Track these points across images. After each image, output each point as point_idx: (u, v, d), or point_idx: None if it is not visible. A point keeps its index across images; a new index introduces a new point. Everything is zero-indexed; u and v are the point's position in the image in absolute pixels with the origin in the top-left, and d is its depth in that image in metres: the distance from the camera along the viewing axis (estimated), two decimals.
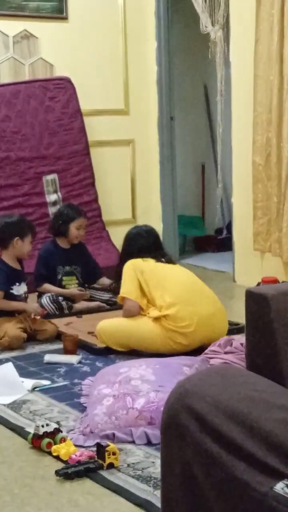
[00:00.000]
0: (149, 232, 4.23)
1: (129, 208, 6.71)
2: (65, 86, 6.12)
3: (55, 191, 6.01)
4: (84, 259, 5.05)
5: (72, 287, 4.95)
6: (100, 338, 3.97)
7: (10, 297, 4.24)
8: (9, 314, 4.24)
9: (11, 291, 4.25)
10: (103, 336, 3.94)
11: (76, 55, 6.28)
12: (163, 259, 4.05)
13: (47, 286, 4.85)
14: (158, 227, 6.75)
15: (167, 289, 3.86)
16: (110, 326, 3.95)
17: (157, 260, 4.02)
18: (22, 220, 4.40)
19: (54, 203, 5.95)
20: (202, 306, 3.86)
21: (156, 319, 3.81)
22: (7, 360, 3.86)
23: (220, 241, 7.27)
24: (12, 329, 4.09)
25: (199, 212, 7.73)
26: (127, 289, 3.92)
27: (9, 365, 3.57)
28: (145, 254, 4.05)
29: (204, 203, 7.71)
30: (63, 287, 4.91)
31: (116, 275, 4.14)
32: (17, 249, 4.27)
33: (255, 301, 1.94)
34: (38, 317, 4.25)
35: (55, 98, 6.07)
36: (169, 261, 4.09)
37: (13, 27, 6.05)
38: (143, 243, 4.11)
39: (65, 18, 6.26)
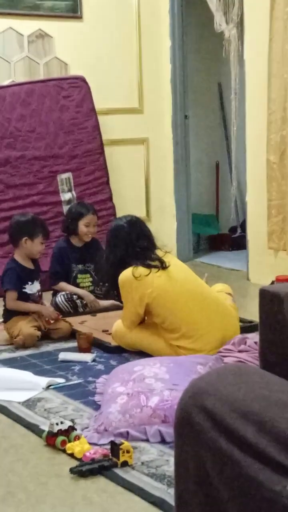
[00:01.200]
0: (132, 225, 3.92)
1: (143, 207, 6.71)
2: (79, 85, 6.13)
3: (70, 190, 6.02)
4: (97, 257, 5.04)
5: (87, 284, 4.96)
6: (114, 338, 3.98)
7: (23, 296, 4.26)
8: (23, 312, 4.25)
9: (24, 290, 4.26)
10: (116, 339, 3.95)
11: (91, 54, 6.29)
12: (156, 263, 3.74)
13: (62, 284, 4.86)
14: (172, 226, 6.76)
15: (175, 316, 3.68)
16: (123, 332, 3.89)
17: (148, 266, 3.73)
18: (34, 220, 4.38)
19: (69, 202, 5.96)
20: (211, 323, 3.71)
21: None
22: (22, 358, 3.89)
23: (234, 240, 7.26)
24: (26, 327, 4.11)
25: (213, 211, 7.72)
26: (125, 317, 3.84)
27: (27, 373, 3.57)
28: (133, 257, 3.77)
29: (218, 202, 7.70)
30: (77, 285, 4.92)
31: (109, 279, 3.94)
32: (27, 248, 4.28)
33: (269, 299, 1.95)
34: (52, 321, 4.26)
35: (69, 97, 6.08)
36: (161, 262, 3.75)
37: (28, 26, 6.07)
38: (128, 244, 3.81)
39: (79, 17, 6.28)
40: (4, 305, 4.29)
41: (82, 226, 4.91)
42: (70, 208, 5.14)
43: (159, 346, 3.72)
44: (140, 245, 3.80)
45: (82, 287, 4.93)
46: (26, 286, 4.27)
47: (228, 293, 4.10)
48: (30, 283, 4.28)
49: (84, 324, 4.49)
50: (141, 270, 3.70)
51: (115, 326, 3.96)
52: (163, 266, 3.72)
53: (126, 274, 3.73)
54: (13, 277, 4.23)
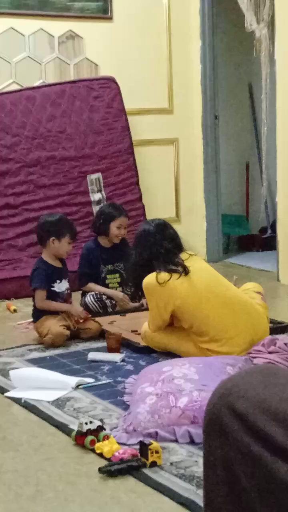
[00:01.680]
0: (158, 227, 3.88)
1: (173, 207, 6.71)
2: (109, 85, 6.15)
3: (99, 190, 6.04)
4: (126, 256, 5.05)
5: (116, 285, 4.97)
6: (143, 339, 3.97)
7: (52, 293, 4.28)
8: (53, 312, 4.27)
9: (53, 288, 4.28)
10: (145, 340, 3.95)
11: (121, 55, 6.31)
12: (179, 268, 3.70)
13: (91, 285, 4.87)
14: (202, 226, 6.75)
15: (202, 321, 3.65)
16: (150, 334, 3.89)
17: (170, 271, 3.70)
18: (62, 220, 4.39)
19: (98, 202, 5.98)
20: (239, 325, 3.67)
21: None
22: (51, 358, 3.90)
23: (264, 240, 7.23)
24: (55, 326, 4.13)
25: (243, 211, 7.69)
26: (151, 321, 3.83)
27: (56, 373, 3.59)
28: (157, 259, 3.75)
29: (248, 202, 7.67)
30: (106, 285, 4.93)
31: (133, 282, 3.91)
32: (54, 248, 4.30)
33: None
34: (81, 321, 4.27)
35: (99, 97, 6.10)
36: (183, 267, 3.71)
37: (58, 27, 6.10)
38: (155, 250, 3.78)
39: (109, 18, 6.29)
40: (34, 305, 4.32)
41: (113, 228, 4.91)
42: (102, 209, 5.13)
43: (187, 348, 3.71)
44: (165, 247, 3.78)
45: (111, 288, 4.94)
46: (55, 284, 4.29)
47: (258, 291, 4.06)
48: (58, 281, 4.30)
49: (113, 324, 4.50)
50: (163, 275, 3.67)
51: (144, 326, 3.96)
52: (185, 271, 3.69)
53: (150, 279, 3.72)
54: (42, 276, 4.25)
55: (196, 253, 3.92)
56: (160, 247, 3.78)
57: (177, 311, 3.69)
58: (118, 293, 4.87)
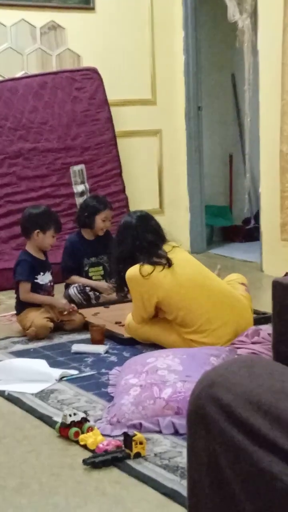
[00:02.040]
0: (140, 219, 3.87)
1: (157, 199, 6.71)
2: (92, 76, 6.12)
3: (83, 182, 6.03)
4: (110, 249, 5.03)
5: (99, 277, 4.96)
6: (127, 332, 3.98)
7: (36, 286, 4.26)
8: (36, 304, 4.26)
9: (36, 280, 4.27)
10: (129, 332, 3.95)
11: (103, 46, 6.28)
12: (162, 261, 3.69)
13: (74, 278, 4.87)
14: (186, 217, 6.75)
15: (186, 313, 3.66)
16: (136, 325, 3.90)
17: (154, 263, 3.69)
18: (46, 213, 4.38)
19: (82, 194, 5.96)
20: (223, 317, 3.67)
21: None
22: (35, 350, 3.90)
23: (247, 231, 7.24)
24: (38, 318, 4.12)
25: (227, 202, 7.70)
26: (135, 313, 3.84)
27: (42, 361, 3.59)
28: (140, 252, 3.75)
29: (232, 193, 7.68)
30: (90, 278, 4.92)
31: (117, 275, 3.92)
32: (38, 241, 4.28)
33: (282, 291, 1.94)
34: (66, 313, 4.26)
35: (82, 88, 6.08)
36: (167, 259, 3.70)
37: (40, 18, 6.07)
38: (135, 242, 3.78)
39: (92, 9, 6.26)
40: (17, 297, 4.30)
41: (99, 220, 4.89)
42: (86, 202, 5.11)
43: (172, 339, 3.71)
44: (147, 240, 3.77)
45: (95, 280, 4.93)
46: (38, 276, 4.28)
47: (242, 283, 4.07)
48: (42, 273, 4.29)
49: (97, 316, 4.49)
50: (147, 268, 3.67)
51: (128, 318, 3.96)
52: (168, 263, 3.68)
53: (133, 271, 3.71)
54: (26, 269, 4.24)
55: (179, 245, 3.91)
56: (143, 240, 3.77)
57: (161, 303, 3.69)
58: (102, 284, 4.87)
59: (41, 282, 4.28)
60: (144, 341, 3.88)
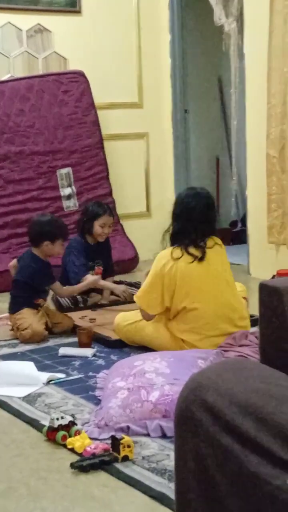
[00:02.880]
0: (206, 209, 3.73)
1: (144, 202, 6.71)
2: (78, 79, 6.12)
3: (69, 185, 6.02)
4: (106, 255, 5.01)
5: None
6: (117, 333, 3.96)
7: (39, 290, 4.30)
8: (33, 305, 4.25)
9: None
10: (119, 333, 3.94)
11: (90, 49, 6.28)
12: (195, 253, 3.65)
13: (89, 277, 4.73)
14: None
15: (192, 310, 3.62)
16: (124, 325, 3.89)
17: (188, 253, 3.65)
18: (55, 223, 4.36)
19: (68, 197, 5.96)
20: (223, 330, 3.66)
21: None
22: (22, 354, 3.89)
23: (235, 234, 7.25)
24: (37, 324, 4.11)
25: None
26: (144, 300, 3.71)
27: (30, 364, 3.58)
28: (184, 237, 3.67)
29: (219, 196, 7.69)
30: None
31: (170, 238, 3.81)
32: (48, 250, 4.28)
33: (269, 294, 1.94)
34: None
35: (68, 92, 6.08)
36: (202, 252, 3.65)
37: (26, 21, 6.06)
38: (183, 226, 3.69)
39: (78, 12, 6.26)
40: (13, 296, 4.31)
41: (97, 226, 4.85)
42: (87, 207, 5.03)
43: (163, 341, 3.69)
44: (197, 228, 3.67)
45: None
46: None
47: (244, 297, 4.02)
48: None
49: (85, 319, 4.49)
50: (179, 252, 3.62)
51: (118, 318, 3.95)
52: (200, 258, 3.63)
53: (164, 252, 3.68)
54: (46, 272, 4.28)
55: (220, 244, 3.80)
56: (192, 227, 3.67)
57: (176, 290, 3.63)
58: (119, 286, 4.81)
59: (46, 287, 4.33)
60: (132, 343, 3.88)
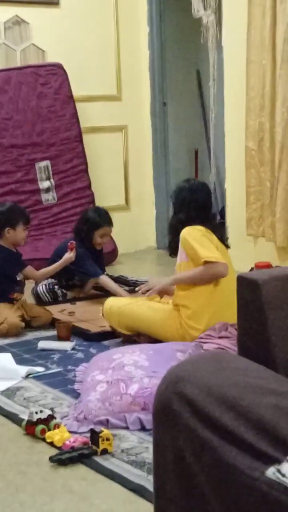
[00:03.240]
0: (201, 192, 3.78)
1: (122, 194, 6.70)
2: (57, 72, 6.09)
3: (48, 178, 6.00)
4: (98, 255, 4.95)
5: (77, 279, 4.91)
6: (107, 318, 3.85)
7: (11, 281, 4.27)
8: (8, 300, 4.23)
9: (16, 276, 4.28)
10: (110, 317, 3.81)
11: (68, 41, 6.25)
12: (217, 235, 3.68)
13: (106, 279, 4.71)
14: (152, 213, 6.75)
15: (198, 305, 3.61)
16: (117, 308, 3.79)
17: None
18: (12, 209, 4.36)
19: (47, 190, 5.94)
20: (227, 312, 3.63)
21: (175, 308, 3.65)
22: (1, 347, 3.87)
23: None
24: (12, 316, 4.10)
25: None
26: (212, 252, 3.54)
27: (8, 355, 3.57)
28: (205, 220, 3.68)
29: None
30: (83, 284, 4.89)
31: (170, 229, 3.81)
32: (11, 238, 4.27)
33: (247, 286, 1.95)
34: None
35: (47, 84, 6.05)
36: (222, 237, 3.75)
37: (4, 12, 6.02)
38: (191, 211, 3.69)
39: (56, 4, 6.23)
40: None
41: (97, 237, 4.79)
42: (88, 215, 4.87)
43: (160, 316, 3.63)
44: (212, 223, 3.74)
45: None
46: (19, 273, 4.28)
47: None
48: (20, 272, 4.31)
49: (64, 312, 4.48)
50: (203, 230, 3.62)
51: (109, 302, 3.86)
52: (225, 243, 3.70)
53: (190, 228, 3.61)
54: (15, 259, 4.28)
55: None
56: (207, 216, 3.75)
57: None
58: (125, 294, 4.67)
59: (18, 278, 4.29)
60: (123, 327, 3.76)
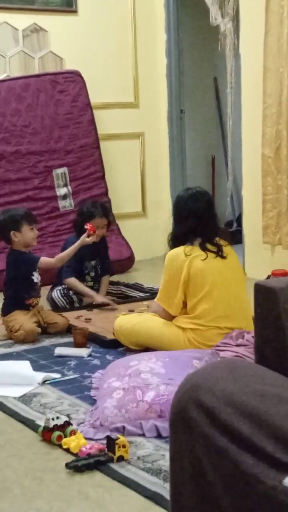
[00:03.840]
0: (199, 200, 3.73)
1: (139, 201, 6.71)
2: (74, 79, 6.12)
3: (65, 185, 6.02)
4: (102, 254, 4.99)
5: (89, 280, 4.91)
6: (117, 337, 3.88)
7: (29, 285, 4.26)
8: (24, 307, 4.25)
9: (32, 277, 4.27)
10: (121, 336, 3.85)
11: (86, 48, 6.28)
12: (213, 249, 3.64)
13: (72, 280, 4.76)
14: (168, 220, 6.73)
15: (205, 304, 3.59)
16: (128, 326, 3.81)
17: (205, 249, 3.63)
18: (12, 213, 4.35)
19: (64, 197, 5.96)
20: (234, 323, 3.65)
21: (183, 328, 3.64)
22: (18, 353, 3.88)
23: (231, 234, 7.24)
24: (28, 323, 4.11)
25: None
26: (162, 296, 3.68)
27: (25, 362, 3.59)
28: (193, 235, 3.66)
29: (214, 196, 7.67)
30: (84, 280, 4.88)
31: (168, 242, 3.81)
32: (20, 240, 4.26)
33: (264, 294, 1.94)
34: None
35: (64, 91, 6.07)
36: (219, 249, 3.66)
37: (22, 20, 6.05)
38: (191, 224, 3.66)
39: (74, 11, 6.26)
40: (5, 298, 4.32)
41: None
42: (82, 207, 4.98)
43: (171, 336, 3.62)
44: (209, 226, 3.69)
45: (86, 282, 4.89)
46: (34, 273, 4.27)
47: None
48: (35, 272, 4.29)
49: (80, 318, 4.48)
50: (193, 250, 3.60)
51: (118, 321, 3.89)
52: (219, 254, 3.63)
53: (172, 256, 3.63)
54: (26, 257, 4.26)
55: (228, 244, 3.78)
56: (205, 226, 3.68)
57: (191, 288, 3.60)
58: (97, 297, 4.75)
59: (35, 280, 4.28)
60: (134, 344, 3.80)
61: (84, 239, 4.41)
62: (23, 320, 4.12)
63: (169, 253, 3.70)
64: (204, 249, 3.62)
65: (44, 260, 4.32)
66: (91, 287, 4.87)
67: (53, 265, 4.45)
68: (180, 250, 3.64)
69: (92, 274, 4.93)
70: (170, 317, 3.69)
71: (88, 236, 4.40)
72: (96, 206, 4.91)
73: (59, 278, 4.84)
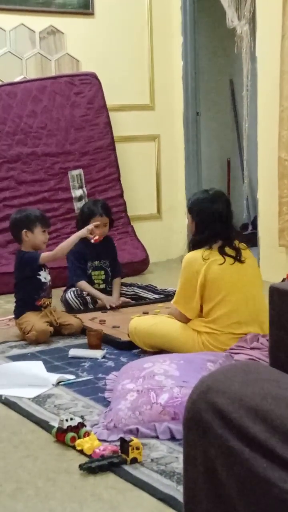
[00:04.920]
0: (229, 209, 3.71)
1: (154, 204, 6.71)
2: (91, 81, 6.13)
3: (81, 187, 6.03)
4: (110, 254, 5.01)
5: (100, 281, 4.92)
6: (132, 338, 3.87)
7: (37, 284, 4.26)
8: (35, 308, 4.26)
9: (39, 277, 4.26)
10: (136, 337, 3.84)
11: (102, 51, 6.29)
12: (231, 253, 3.61)
13: (83, 284, 4.79)
14: (183, 223, 6.74)
15: (221, 309, 3.57)
16: (144, 328, 3.80)
17: (223, 253, 3.58)
18: (29, 212, 4.38)
19: (80, 199, 5.97)
20: (250, 330, 3.62)
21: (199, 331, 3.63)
22: (32, 355, 3.89)
23: (245, 237, 7.22)
24: (39, 323, 4.12)
25: None
26: (179, 298, 3.65)
27: (39, 363, 3.59)
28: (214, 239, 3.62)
29: (230, 199, 7.67)
30: (92, 281, 4.89)
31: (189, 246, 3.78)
32: (30, 241, 4.27)
33: (278, 297, 1.94)
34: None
35: (81, 93, 6.09)
36: (238, 253, 3.62)
37: (39, 22, 6.08)
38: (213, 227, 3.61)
39: (91, 14, 6.28)
40: (17, 301, 4.30)
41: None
42: (83, 206, 5.06)
43: (187, 337, 3.60)
44: (230, 229, 3.68)
45: (96, 284, 4.90)
46: (41, 272, 4.27)
47: None
48: (43, 269, 4.28)
49: (94, 320, 4.49)
50: (211, 253, 3.57)
51: (133, 323, 3.88)
52: (238, 258, 3.59)
53: (189, 259, 3.61)
54: (28, 255, 4.24)
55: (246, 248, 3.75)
56: (227, 229, 3.66)
57: (208, 292, 3.57)
58: (108, 299, 4.76)
59: (43, 280, 4.27)
60: (149, 346, 3.79)
61: (83, 230, 4.43)
62: (34, 321, 4.13)
63: (186, 255, 3.68)
64: (222, 253, 3.60)
65: (45, 254, 4.27)
66: (103, 290, 4.87)
67: (56, 257, 4.34)
68: (198, 253, 3.61)
69: (99, 275, 4.93)
70: (186, 320, 3.68)
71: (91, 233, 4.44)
72: (96, 205, 4.92)
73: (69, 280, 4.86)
